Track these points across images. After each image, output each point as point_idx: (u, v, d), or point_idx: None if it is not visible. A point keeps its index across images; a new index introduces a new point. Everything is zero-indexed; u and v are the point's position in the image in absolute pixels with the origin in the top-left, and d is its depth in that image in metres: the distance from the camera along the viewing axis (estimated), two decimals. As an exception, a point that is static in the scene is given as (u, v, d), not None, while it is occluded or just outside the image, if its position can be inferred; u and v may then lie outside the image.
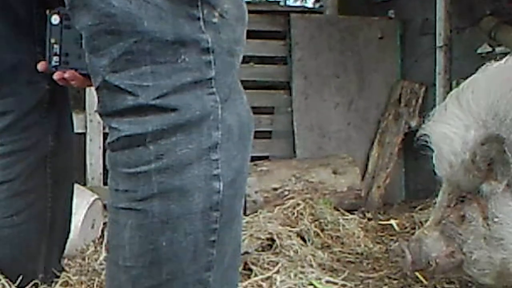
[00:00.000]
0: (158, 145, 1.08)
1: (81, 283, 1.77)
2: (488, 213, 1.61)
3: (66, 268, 1.87)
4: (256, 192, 3.24)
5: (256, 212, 2.88)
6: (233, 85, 1.17)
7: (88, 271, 1.92)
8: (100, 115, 1.14)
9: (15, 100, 1.64)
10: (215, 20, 1.12)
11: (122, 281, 1.12)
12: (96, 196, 2.51)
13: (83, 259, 2.11)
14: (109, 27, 1.07)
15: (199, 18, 1.10)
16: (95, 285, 1.79)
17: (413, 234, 2.88)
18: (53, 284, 1.73)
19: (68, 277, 1.78)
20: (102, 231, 2.53)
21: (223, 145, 1.11)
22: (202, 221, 1.10)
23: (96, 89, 1.12)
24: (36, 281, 1.69)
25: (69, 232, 1.84)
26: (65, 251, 1.96)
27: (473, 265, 1.66)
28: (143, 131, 1.08)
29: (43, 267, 1.73)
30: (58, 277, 1.78)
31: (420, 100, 3.77)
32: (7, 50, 1.61)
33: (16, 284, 1.65)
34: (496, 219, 1.60)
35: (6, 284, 1.64)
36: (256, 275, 2.02)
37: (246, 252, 2.25)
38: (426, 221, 2.92)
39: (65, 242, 1.84)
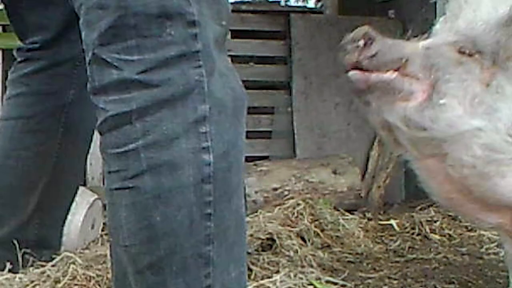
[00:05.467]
0: (144, 122, 1.09)
1: (90, 279, 1.78)
2: (493, 80, 1.35)
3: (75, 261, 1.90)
4: (256, 192, 3.24)
5: (256, 212, 2.87)
6: (222, 59, 1.17)
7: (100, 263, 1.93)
8: (90, 94, 1.15)
9: (51, 51, 1.84)
10: None
11: (124, 261, 1.13)
12: (96, 196, 2.51)
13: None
14: (99, 1, 1.10)
15: None
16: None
17: (413, 234, 2.90)
18: (61, 278, 1.76)
19: (76, 271, 1.79)
20: (102, 231, 2.53)
21: (213, 118, 1.11)
22: (195, 194, 1.10)
23: (88, 65, 1.14)
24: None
25: (75, 193, 2.02)
26: (66, 251, 1.98)
27: (432, 111, 1.32)
28: (128, 109, 1.09)
29: (36, 204, 1.89)
30: (58, 248, 1.97)
31: (420, 100, 3.76)
32: (52, 8, 1.79)
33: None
34: (500, 91, 1.34)
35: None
36: (256, 275, 2.02)
37: (246, 252, 2.24)
38: (426, 221, 2.96)
39: (70, 203, 2.01)
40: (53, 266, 1.85)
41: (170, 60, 1.09)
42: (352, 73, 1.33)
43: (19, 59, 1.89)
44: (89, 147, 2.04)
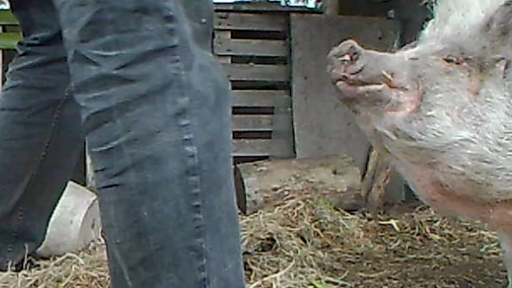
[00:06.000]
0: (124, 118, 1.09)
1: (92, 279, 1.79)
2: (481, 88, 1.34)
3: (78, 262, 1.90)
4: (256, 192, 3.24)
5: (256, 212, 2.88)
6: (203, 55, 1.18)
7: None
8: (74, 93, 1.16)
9: (51, 48, 1.86)
10: None
11: (118, 259, 1.13)
12: (96, 196, 2.51)
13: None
14: None
15: None
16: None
17: (413, 234, 2.90)
18: (63, 278, 1.77)
19: (79, 271, 1.79)
20: (102, 231, 2.53)
21: (193, 111, 1.12)
22: (180, 186, 1.10)
23: (70, 63, 1.15)
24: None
25: (63, 189, 2.03)
26: (66, 251, 1.98)
27: (420, 122, 1.32)
28: (108, 106, 1.09)
29: (20, 196, 1.91)
30: (41, 242, 1.97)
31: (420, 100, 3.76)
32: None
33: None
34: (489, 99, 1.33)
35: None
36: (256, 275, 2.02)
37: (246, 252, 2.25)
38: (426, 221, 2.96)
39: (58, 198, 2.03)
40: (56, 266, 1.85)
41: (147, 54, 1.10)
42: (339, 83, 1.34)
43: (19, 53, 1.93)
44: (82, 146, 2.05)
